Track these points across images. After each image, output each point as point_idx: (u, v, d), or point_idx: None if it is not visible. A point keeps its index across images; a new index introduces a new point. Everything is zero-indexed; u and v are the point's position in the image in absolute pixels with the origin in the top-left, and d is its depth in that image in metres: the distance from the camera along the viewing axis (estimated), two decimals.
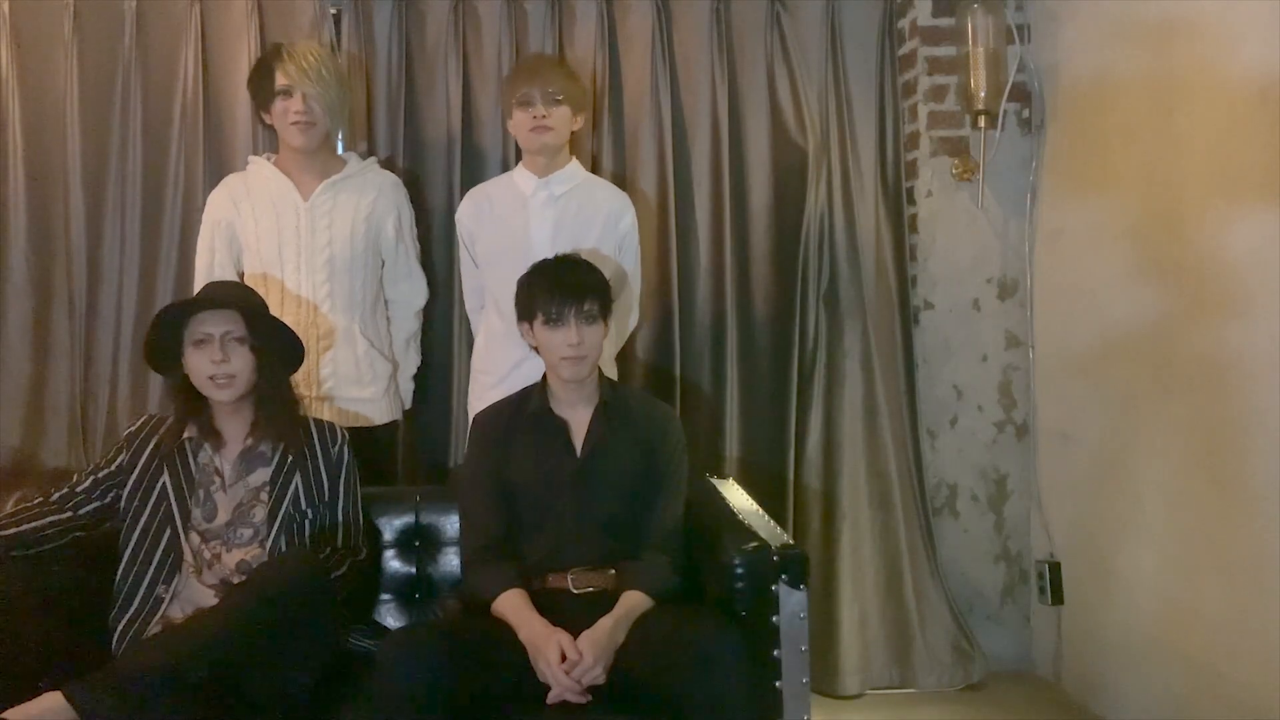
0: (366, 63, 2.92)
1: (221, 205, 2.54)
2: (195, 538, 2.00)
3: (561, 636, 1.82)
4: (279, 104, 2.46)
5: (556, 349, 2.04)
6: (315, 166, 2.53)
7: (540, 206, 2.51)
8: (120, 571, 1.99)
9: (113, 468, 2.05)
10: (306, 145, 2.48)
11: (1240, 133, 2.22)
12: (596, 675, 1.80)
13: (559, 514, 2.05)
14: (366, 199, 2.55)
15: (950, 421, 3.09)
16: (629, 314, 2.68)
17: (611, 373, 2.49)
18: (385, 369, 2.59)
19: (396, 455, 2.79)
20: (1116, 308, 2.65)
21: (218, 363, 1.98)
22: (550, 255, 2.34)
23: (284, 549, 2.01)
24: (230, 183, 2.58)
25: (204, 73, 2.85)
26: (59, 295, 2.86)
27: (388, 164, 2.84)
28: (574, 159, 2.59)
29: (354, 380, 2.53)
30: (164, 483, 2.03)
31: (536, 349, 2.11)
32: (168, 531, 2.00)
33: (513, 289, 2.15)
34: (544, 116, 2.45)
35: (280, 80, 2.44)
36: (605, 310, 2.09)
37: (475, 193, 2.62)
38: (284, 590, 1.81)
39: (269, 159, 2.56)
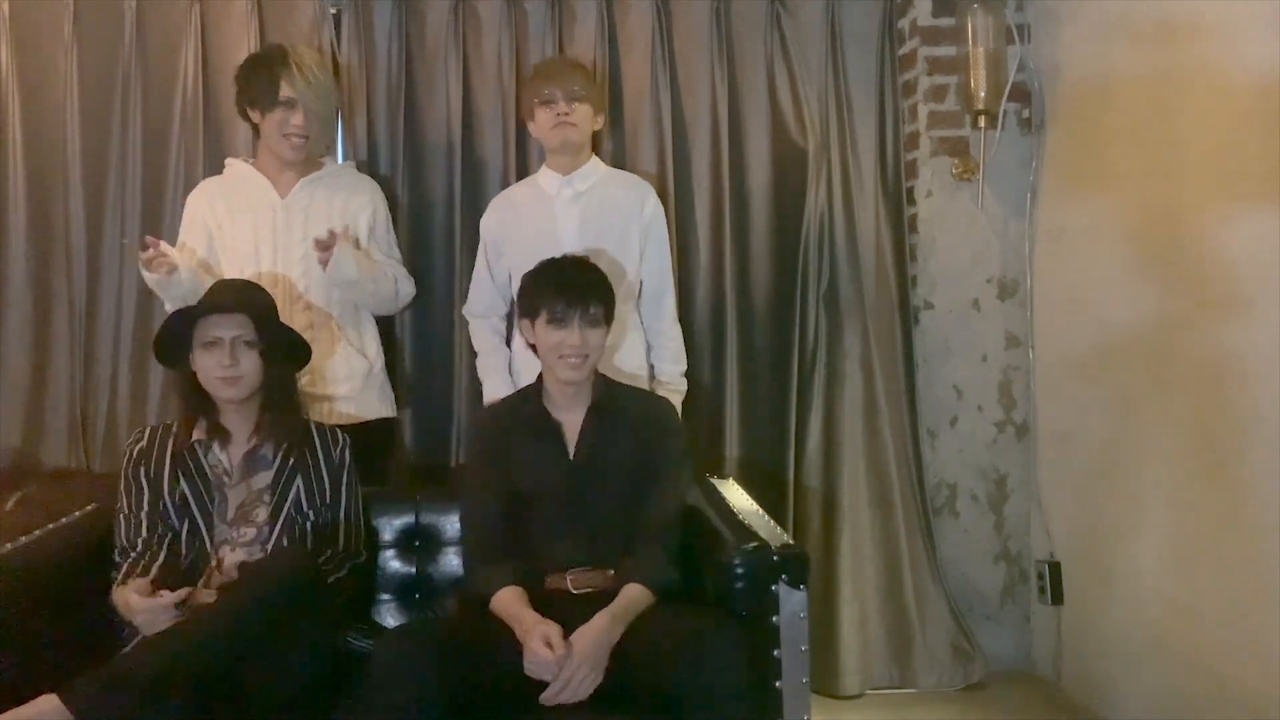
0: (366, 63, 2.91)
1: (198, 202, 2.54)
2: (213, 547, 2.01)
3: (550, 627, 1.81)
4: (279, 114, 2.45)
5: (557, 349, 2.04)
6: (295, 166, 2.53)
7: (566, 204, 2.54)
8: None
9: (146, 506, 2.02)
10: (296, 158, 2.50)
11: (1240, 133, 2.22)
12: (588, 677, 1.78)
13: (556, 515, 2.05)
14: (340, 196, 2.55)
15: (950, 421, 3.09)
16: (665, 311, 2.64)
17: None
18: (361, 366, 2.57)
19: (388, 454, 2.75)
20: (1116, 308, 2.65)
21: (226, 365, 1.99)
22: (576, 248, 2.37)
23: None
24: (207, 185, 2.59)
25: (204, 73, 2.85)
26: (59, 295, 2.86)
27: (387, 164, 2.85)
28: (594, 156, 2.63)
29: (329, 376, 2.52)
30: (183, 492, 2.03)
31: (533, 347, 2.11)
32: (195, 543, 2.01)
33: None
34: (566, 113, 2.48)
35: (285, 91, 2.42)
36: (609, 313, 2.09)
37: (498, 200, 2.65)
38: (277, 589, 1.81)
39: (248, 161, 2.57)
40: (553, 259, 2.15)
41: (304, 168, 2.55)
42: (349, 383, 2.55)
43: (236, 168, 2.57)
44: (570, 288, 2.05)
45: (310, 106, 2.44)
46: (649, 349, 2.63)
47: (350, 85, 2.87)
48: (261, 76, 2.46)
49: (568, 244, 2.47)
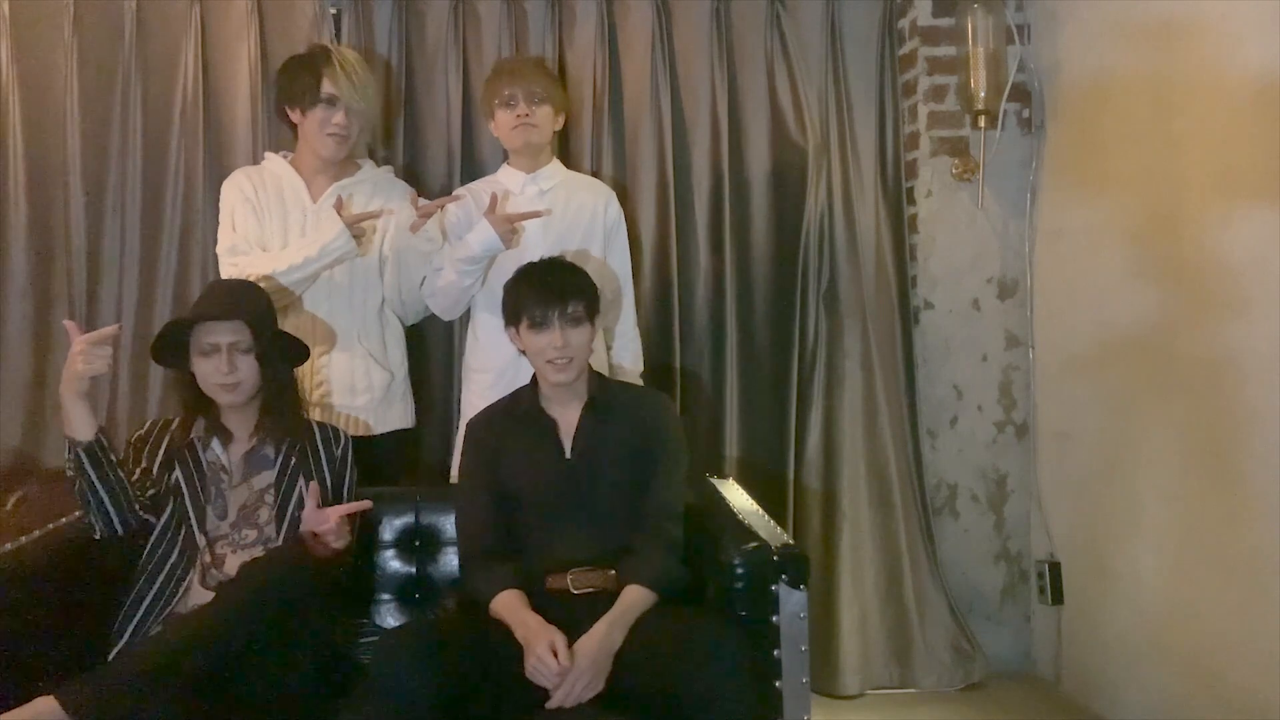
0: (366, 62, 2.91)
1: (240, 186, 2.48)
2: (203, 538, 2.01)
3: (555, 635, 1.82)
4: (320, 112, 2.43)
5: (542, 352, 2.04)
6: (331, 169, 2.52)
7: (529, 202, 2.52)
8: (137, 571, 1.99)
9: (133, 480, 2.02)
10: (336, 156, 2.49)
11: (1240, 133, 2.22)
12: (590, 685, 1.78)
13: (554, 515, 2.04)
14: (374, 205, 2.52)
15: (950, 421, 3.09)
16: (626, 313, 2.67)
17: (603, 368, 2.51)
18: (382, 379, 2.54)
19: (399, 465, 2.70)
20: (1116, 308, 2.65)
21: (224, 373, 2.00)
22: (540, 249, 2.37)
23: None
24: (245, 172, 2.54)
25: (204, 73, 2.85)
26: (59, 295, 2.86)
27: (386, 164, 2.84)
28: (555, 159, 2.63)
29: (347, 388, 2.49)
30: (177, 479, 2.03)
31: (524, 352, 2.11)
32: (183, 530, 2.01)
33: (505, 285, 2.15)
34: (527, 115, 2.49)
35: (327, 88, 2.41)
36: (591, 312, 2.08)
37: (461, 191, 2.62)
38: (274, 587, 1.80)
39: (285, 157, 2.55)
40: (530, 264, 2.14)
41: (339, 171, 2.53)
42: (369, 394, 2.51)
43: (273, 163, 2.54)
44: (547, 289, 2.04)
45: (352, 105, 2.43)
46: (607, 348, 2.64)
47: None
48: (304, 74, 2.44)
49: (529, 241, 2.47)
